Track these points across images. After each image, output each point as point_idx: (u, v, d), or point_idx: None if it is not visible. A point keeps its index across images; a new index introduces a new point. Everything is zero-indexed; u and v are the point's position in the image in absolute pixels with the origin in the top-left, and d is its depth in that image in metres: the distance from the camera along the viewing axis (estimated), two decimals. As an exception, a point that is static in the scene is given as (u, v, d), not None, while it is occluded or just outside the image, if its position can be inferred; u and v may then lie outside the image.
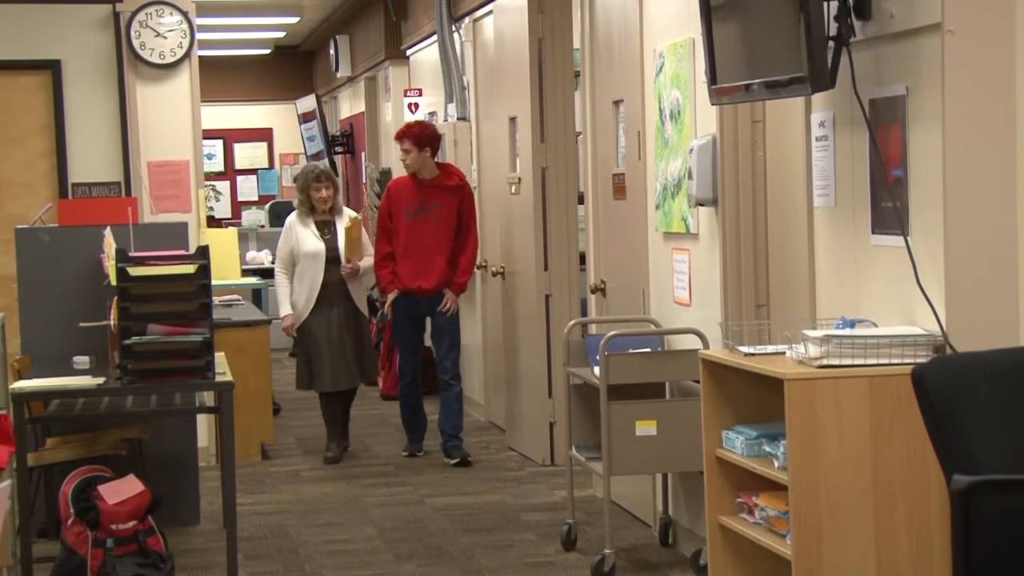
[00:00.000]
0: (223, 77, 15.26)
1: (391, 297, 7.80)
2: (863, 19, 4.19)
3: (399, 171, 11.50)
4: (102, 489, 5.54)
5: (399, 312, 7.88)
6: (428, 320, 7.91)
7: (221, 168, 16.31)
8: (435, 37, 9.47)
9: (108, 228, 6.00)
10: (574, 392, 5.89)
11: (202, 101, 8.36)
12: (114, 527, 5.49)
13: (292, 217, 8.07)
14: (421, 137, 7.77)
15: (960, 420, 3.38)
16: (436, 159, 7.92)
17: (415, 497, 7.12)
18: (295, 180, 12.82)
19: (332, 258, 7.90)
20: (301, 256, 7.93)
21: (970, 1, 3.89)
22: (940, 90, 3.91)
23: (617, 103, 6.46)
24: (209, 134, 12.79)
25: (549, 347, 7.73)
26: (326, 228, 7.98)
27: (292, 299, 7.99)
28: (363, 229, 8.14)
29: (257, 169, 16.55)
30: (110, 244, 5.75)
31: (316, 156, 14.24)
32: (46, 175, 8.25)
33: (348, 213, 8.09)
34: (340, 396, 8.09)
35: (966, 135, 3.91)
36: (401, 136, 7.83)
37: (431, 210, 7.73)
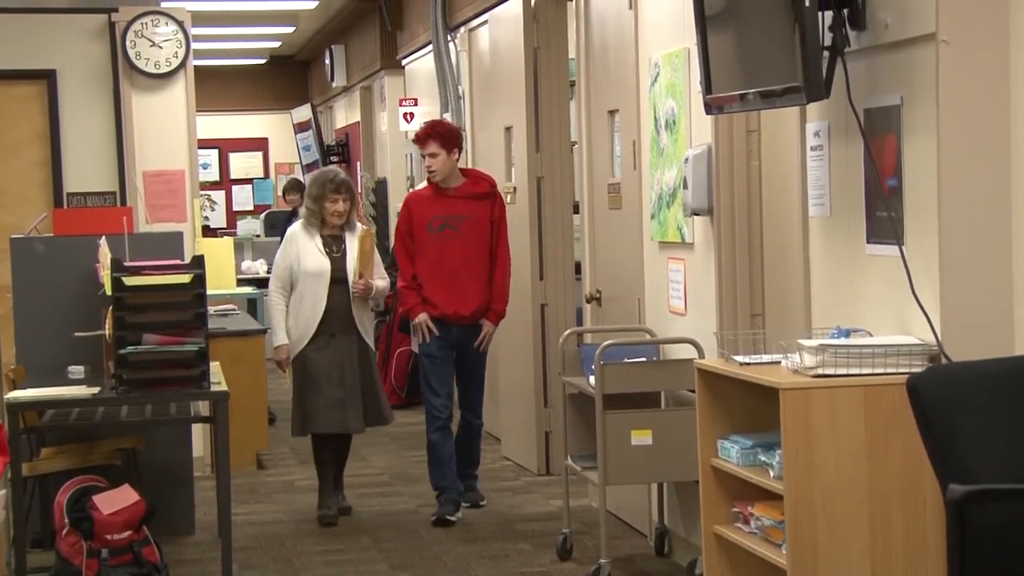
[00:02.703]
0: (218, 87, 15.28)
1: (422, 318, 6.62)
2: (858, 29, 4.20)
3: (395, 181, 11.56)
4: (97, 499, 5.53)
5: (429, 344, 6.69)
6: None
7: (216, 178, 16.33)
8: (430, 47, 9.49)
9: (103, 238, 6.00)
10: (570, 401, 5.89)
11: (197, 111, 8.36)
12: (109, 537, 5.48)
13: (296, 228, 6.79)
14: (449, 137, 6.63)
15: (955, 429, 3.38)
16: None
17: (410, 507, 7.11)
18: (291, 187, 12.90)
19: (338, 279, 6.63)
20: (301, 275, 6.65)
21: (964, 11, 3.89)
22: (935, 100, 3.92)
23: (612, 113, 6.47)
24: (204, 144, 12.79)
25: (545, 356, 7.72)
26: (334, 244, 6.70)
27: (288, 325, 6.73)
28: (375, 245, 6.90)
29: (252, 179, 16.56)
30: (105, 254, 5.75)
31: (311, 166, 14.25)
32: (41, 185, 8.25)
33: (360, 227, 6.85)
34: (335, 441, 6.85)
35: (961, 145, 3.91)
36: (425, 137, 6.64)
37: (460, 224, 6.61)
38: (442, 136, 6.62)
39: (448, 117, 9.18)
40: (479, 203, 6.68)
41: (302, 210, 6.89)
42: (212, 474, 7.31)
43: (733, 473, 4.35)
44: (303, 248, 6.68)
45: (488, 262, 6.69)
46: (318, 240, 6.69)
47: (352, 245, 6.70)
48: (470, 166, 8.90)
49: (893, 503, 3.92)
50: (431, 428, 6.73)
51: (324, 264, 6.65)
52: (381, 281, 6.80)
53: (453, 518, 6.65)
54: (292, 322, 6.71)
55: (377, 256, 6.86)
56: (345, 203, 6.69)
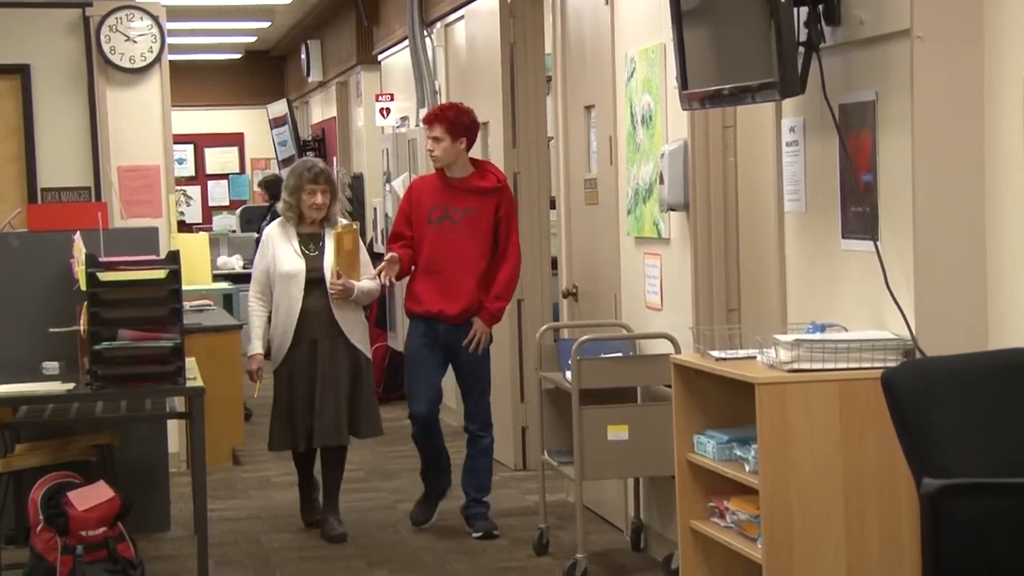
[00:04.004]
0: (194, 82, 15.23)
1: (392, 256, 6.18)
2: (833, 25, 4.21)
3: (372, 177, 11.54)
4: (72, 495, 5.50)
5: (414, 337, 6.30)
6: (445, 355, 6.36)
7: (192, 173, 16.29)
8: (407, 42, 9.47)
9: (78, 233, 5.97)
10: (546, 397, 5.89)
11: (173, 106, 8.33)
12: (84, 533, 5.45)
13: (273, 227, 6.37)
14: (457, 123, 6.17)
15: (930, 424, 3.40)
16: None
17: (387, 502, 7.11)
18: (261, 184, 12.89)
19: (314, 280, 6.22)
20: (277, 277, 6.26)
21: (939, 7, 3.91)
22: (909, 96, 3.93)
23: (589, 108, 6.48)
24: (180, 139, 12.75)
25: (521, 352, 7.73)
26: (312, 243, 6.29)
27: (269, 333, 6.35)
28: (359, 241, 6.39)
29: (228, 174, 16.52)
30: (80, 249, 5.72)
31: (287, 161, 14.22)
32: (15, 180, 8.20)
33: (340, 222, 6.39)
34: (319, 455, 6.46)
35: (935, 140, 3.93)
36: (432, 120, 6.23)
37: (459, 218, 6.18)
38: (449, 121, 6.16)
39: (424, 113, 9.13)
40: (483, 198, 6.18)
41: (279, 205, 6.42)
42: (188, 470, 7.29)
43: (709, 468, 4.36)
44: (279, 248, 6.28)
45: (485, 261, 6.20)
46: (295, 239, 6.28)
47: (331, 242, 6.25)
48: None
49: (868, 497, 3.94)
50: (414, 429, 6.39)
51: (298, 264, 6.23)
52: (369, 282, 6.31)
53: (427, 524, 6.43)
54: (273, 329, 6.33)
55: (365, 256, 6.40)
56: (325, 195, 6.25)
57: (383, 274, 6.20)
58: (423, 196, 6.26)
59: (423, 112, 9.13)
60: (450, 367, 6.42)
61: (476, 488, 6.38)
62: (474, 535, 6.28)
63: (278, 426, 6.35)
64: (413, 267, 6.31)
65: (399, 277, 6.33)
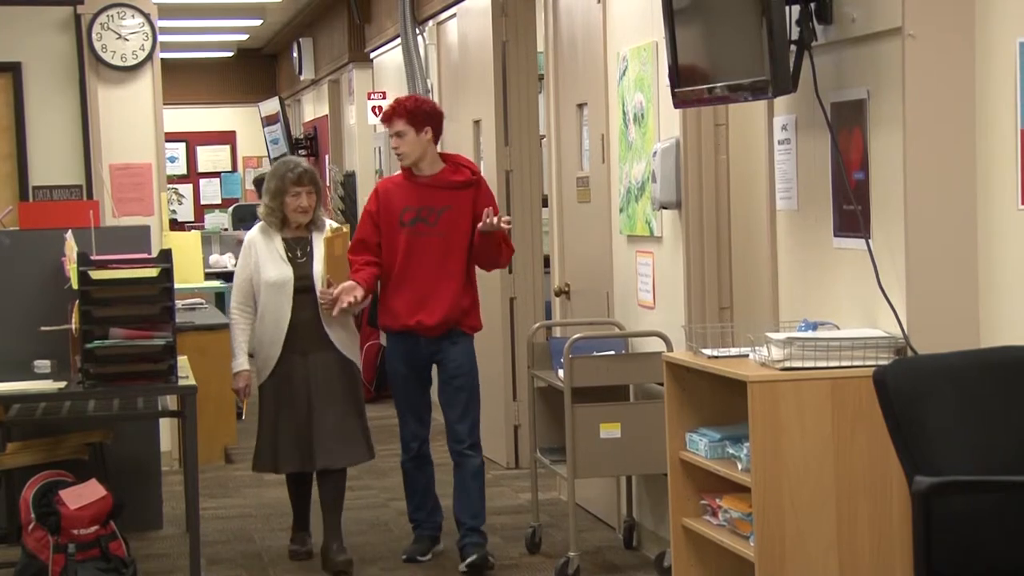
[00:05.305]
0: (186, 80, 15.22)
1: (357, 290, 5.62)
2: (825, 23, 4.22)
3: (364, 175, 11.54)
4: (64, 494, 5.50)
5: (394, 360, 5.81)
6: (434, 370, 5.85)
7: (184, 171, 16.27)
8: (399, 40, 9.47)
9: (70, 231, 5.96)
10: (538, 395, 5.90)
11: (164, 104, 8.33)
12: (76, 532, 5.45)
13: (254, 233, 5.86)
14: (417, 113, 5.62)
15: (921, 422, 3.41)
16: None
17: (379, 500, 7.11)
18: (256, 182, 12.82)
19: (303, 288, 5.72)
20: (262, 286, 5.77)
21: (930, 5, 3.92)
22: (901, 94, 3.94)
23: (581, 106, 6.48)
24: (171, 137, 12.75)
25: (513, 350, 7.73)
26: (298, 248, 5.80)
27: (253, 346, 5.85)
28: (348, 245, 5.88)
29: (220, 172, 16.50)
30: (72, 247, 5.72)
31: (279, 159, 14.20)
32: (7, 178, 8.20)
33: (329, 225, 5.89)
34: (317, 478, 5.94)
35: (926, 138, 3.94)
36: (390, 116, 5.67)
37: (435, 218, 5.63)
38: (409, 112, 5.61)
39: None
40: (458, 193, 5.64)
41: (260, 209, 5.92)
42: (180, 468, 7.29)
43: (701, 466, 4.37)
44: (262, 255, 5.78)
45: (465, 264, 5.68)
46: (279, 244, 5.78)
47: (320, 247, 5.77)
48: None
49: (860, 495, 3.94)
50: (403, 456, 5.91)
51: (285, 272, 5.74)
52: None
53: (424, 558, 5.86)
54: (256, 343, 5.82)
55: None
56: (310, 196, 5.77)
57: (342, 301, 5.59)
58: (392, 197, 5.69)
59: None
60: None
61: (470, 515, 5.78)
62: (462, 564, 5.73)
63: (263, 445, 5.90)
64: (379, 280, 5.80)
65: (365, 296, 5.73)
